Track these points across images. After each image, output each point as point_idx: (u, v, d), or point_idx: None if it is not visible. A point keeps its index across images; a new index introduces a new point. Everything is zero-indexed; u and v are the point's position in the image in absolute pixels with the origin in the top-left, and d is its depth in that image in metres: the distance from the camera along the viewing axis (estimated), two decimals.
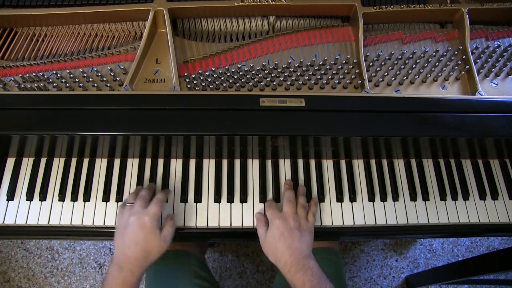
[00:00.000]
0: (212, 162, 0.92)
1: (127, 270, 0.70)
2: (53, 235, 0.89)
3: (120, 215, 0.79)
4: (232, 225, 0.86)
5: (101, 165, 0.91)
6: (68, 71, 0.88)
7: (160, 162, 0.91)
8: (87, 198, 0.87)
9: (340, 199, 0.90)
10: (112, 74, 0.86)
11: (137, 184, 0.89)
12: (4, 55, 0.93)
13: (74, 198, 0.87)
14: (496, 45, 0.96)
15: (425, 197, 0.91)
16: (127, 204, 0.79)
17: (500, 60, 0.94)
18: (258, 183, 0.90)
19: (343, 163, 0.93)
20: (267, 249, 0.79)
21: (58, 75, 0.87)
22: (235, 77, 0.89)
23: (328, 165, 0.93)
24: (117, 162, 0.91)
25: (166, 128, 0.79)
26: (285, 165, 0.92)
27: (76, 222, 0.85)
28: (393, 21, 1.00)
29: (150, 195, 0.81)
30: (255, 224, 0.86)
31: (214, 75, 0.89)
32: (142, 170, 0.90)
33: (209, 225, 0.86)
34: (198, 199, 0.88)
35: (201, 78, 0.89)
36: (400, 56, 0.94)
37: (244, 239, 1.50)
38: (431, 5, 0.96)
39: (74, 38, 0.96)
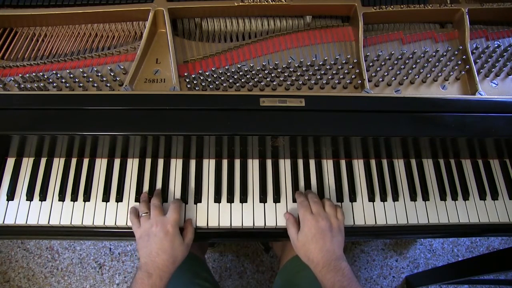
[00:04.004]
0: (212, 162, 0.92)
1: (156, 276, 0.73)
2: (53, 235, 0.89)
3: (137, 225, 0.81)
4: (232, 225, 0.86)
5: (101, 165, 0.91)
6: (68, 71, 0.88)
7: (160, 162, 0.91)
8: (87, 198, 0.87)
9: (340, 199, 0.90)
10: (112, 74, 0.86)
11: (137, 184, 0.89)
12: (4, 55, 0.93)
13: (74, 198, 0.87)
14: (496, 45, 0.96)
15: (425, 197, 0.91)
16: (142, 214, 0.82)
17: (500, 60, 0.94)
18: (258, 183, 0.90)
19: (343, 163, 0.93)
20: (299, 249, 0.80)
21: (58, 75, 0.87)
22: (235, 77, 0.89)
23: (328, 165, 0.93)
24: (117, 162, 0.91)
25: (166, 128, 0.79)
26: (285, 165, 0.92)
27: (76, 222, 0.85)
28: (393, 21, 1.00)
29: (161, 202, 0.85)
30: (254, 224, 0.86)
31: (214, 75, 0.89)
32: (142, 170, 0.90)
33: (209, 225, 0.86)
34: (198, 199, 0.88)
35: (201, 78, 0.89)
36: (400, 56, 0.94)
37: (244, 239, 1.50)
38: (431, 5, 0.96)
39: (74, 38, 0.96)
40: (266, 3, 0.93)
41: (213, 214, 0.87)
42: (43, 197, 0.87)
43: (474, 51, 0.95)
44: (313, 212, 0.81)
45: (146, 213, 0.81)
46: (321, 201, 0.84)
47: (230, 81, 0.88)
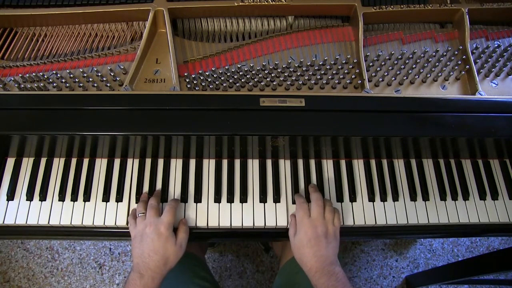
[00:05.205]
0: (212, 162, 0.92)
1: (148, 277, 0.73)
2: (53, 235, 0.89)
3: (133, 225, 0.81)
4: (232, 225, 0.86)
5: (101, 165, 0.91)
6: (68, 71, 0.88)
7: (160, 162, 0.91)
8: (87, 198, 0.87)
9: (340, 199, 0.90)
10: (112, 74, 0.86)
11: (137, 184, 0.89)
12: (4, 55, 0.93)
13: (74, 198, 0.87)
14: (496, 45, 0.96)
15: (425, 197, 0.91)
16: (139, 215, 0.81)
17: (500, 60, 0.94)
18: (258, 183, 0.90)
19: (343, 163, 0.93)
20: (295, 251, 0.80)
21: (58, 75, 0.87)
22: (235, 77, 0.89)
23: (328, 165, 0.93)
24: (117, 162, 0.91)
25: (166, 128, 0.79)
26: (285, 165, 0.92)
27: (76, 222, 0.85)
28: (393, 21, 1.00)
29: (159, 203, 0.85)
30: (254, 224, 0.86)
31: (214, 75, 0.89)
32: (142, 170, 0.90)
33: (209, 225, 0.86)
34: (198, 199, 0.88)
35: (201, 78, 0.89)
36: (400, 56, 0.94)
37: (244, 239, 1.50)
38: (431, 5, 0.96)
39: (74, 38, 0.96)
40: (266, 3, 0.93)
41: (213, 214, 0.87)
42: (43, 197, 0.87)
43: (474, 51, 0.95)
44: (312, 216, 0.80)
45: (143, 213, 0.81)
46: (323, 202, 0.83)
47: (230, 81, 0.88)
